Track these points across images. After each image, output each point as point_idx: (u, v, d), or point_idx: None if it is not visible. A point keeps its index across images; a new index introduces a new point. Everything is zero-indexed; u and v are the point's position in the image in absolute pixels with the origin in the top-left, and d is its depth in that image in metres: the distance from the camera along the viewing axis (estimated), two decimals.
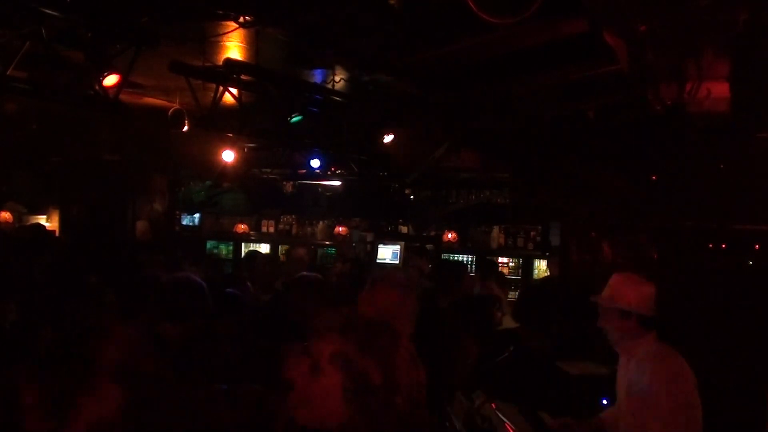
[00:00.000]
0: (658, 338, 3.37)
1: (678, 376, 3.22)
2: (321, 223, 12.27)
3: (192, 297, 3.24)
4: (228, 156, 8.74)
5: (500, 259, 10.76)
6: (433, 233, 11.48)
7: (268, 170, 11.47)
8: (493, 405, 3.12)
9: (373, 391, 1.46)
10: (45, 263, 6.21)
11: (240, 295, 4.34)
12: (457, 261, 10.42)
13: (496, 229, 10.99)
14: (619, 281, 3.46)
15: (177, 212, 11.84)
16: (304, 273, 4.67)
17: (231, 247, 12.51)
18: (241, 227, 12.43)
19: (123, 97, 5.22)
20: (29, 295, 4.62)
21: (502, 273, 9.19)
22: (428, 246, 10.93)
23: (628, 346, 3.37)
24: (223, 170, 9.77)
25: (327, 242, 12.05)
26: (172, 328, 3.15)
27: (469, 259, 10.89)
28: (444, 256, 10.69)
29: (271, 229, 12.54)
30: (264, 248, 11.93)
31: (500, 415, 3.08)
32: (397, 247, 10.81)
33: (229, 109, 6.38)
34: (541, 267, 10.46)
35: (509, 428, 3.08)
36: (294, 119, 6.62)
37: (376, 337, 1.55)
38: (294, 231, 12.45)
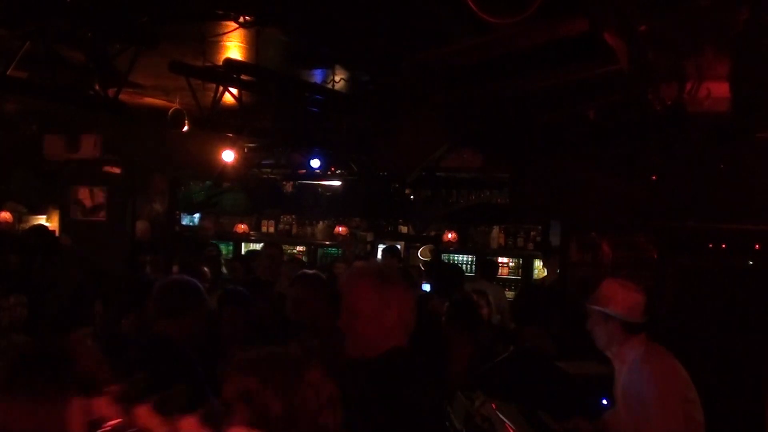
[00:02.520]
0: (650, 339, 3.37)
1: (670, 374, 3.23)
2: (321, 223, 12.28)
3: (187, 294, 3.25)
4: (228, 156, 8.73)
5: (500, 259, 10.76)
6: (433, 233, 11.48)
7: (268, 170, 11.47)
8: (493, 405, 3.12)
9: (273, 422, 1.51)
10: (53, 266, 6.23)
11: (245, 292, 4.36)
12: (453, 264, 10.43)
13: (496, 229, 10.99)
14: (608, 286, 3.47)
15: (177, 212, 11.84)
16: (305, 271, 4.66)
17: (231, 247, 12.51)
18: (241, 227, 12.43)
19: (123, 97, 5.22)
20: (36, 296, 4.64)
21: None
22: (426, 246, 10.95)
23: (617, 351, 3.38)
24: (223, 170, 9.76)
25: (327, 242, 12.05)
26: (171, 325, 3.16)
27: (469, 259, 10.89)
28: (444, 256, 10.70)
29: (271, 229, 12.54)
30: None
31: (500, 415, 3.08)
32: (398, 248, 10.82)
33: (229, 109, 6.38)
34: (541, 267, 10.46)
35: (509, 428, 3.08)
36: None
37: (277, 369, 1.59)
38: (294, 231, 12.44)
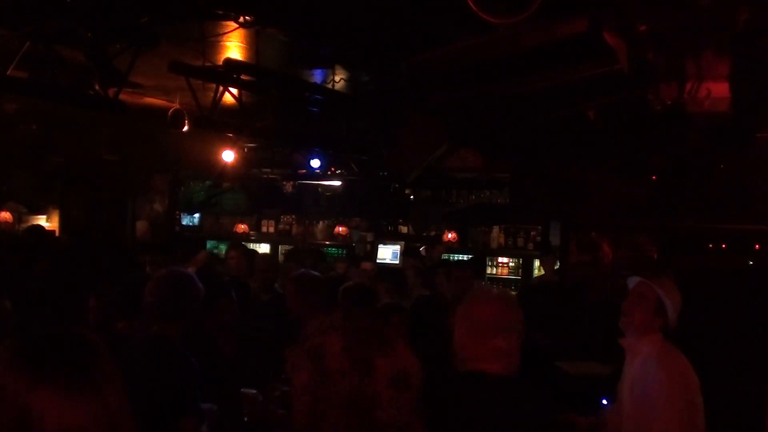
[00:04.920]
0: (665, 337, 3.36)
1: (682, 376, 3.22)
2: (321, 223, 12.28)
3: (186, 293, 3.22)
4: (228, 156, 8.75)
5: (500, 259, 10.76)
6: (433, 233, 11.48)
7: (268, 170, 11.47)
8: None
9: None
10: (44, 265, 6.21)
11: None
12: (461, 261, 10.43)
13: (496, 229, 10.99)
14: (669, 284, 3.40)
15: (177, 212, 11.84)
16: (303, 270, 4.66)
17: None
18: (241, 227, 12.43)
19: (123, 97, 5.22)
20: (27, 296, 4.62)
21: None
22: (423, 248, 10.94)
23: (635, 342, 3.34)
24: (223, 170, 9.78)
25: (327, 242, 12.05)
26: (173, 327, 3.15)
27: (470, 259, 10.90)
28: (444, 256, 10.70)
29: (271, 229, 12.54)
30: (264, 248, 11.92)
31: None
32: (397, 247, 10.82)
33: (229, 109, 6.38)
34: (539, 266, 10.47)
35: None
36: None
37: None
38: (294, 231, 12.45)
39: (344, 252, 11.48)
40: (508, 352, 2.37)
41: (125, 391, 1.46)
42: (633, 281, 3.40)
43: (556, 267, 7.84)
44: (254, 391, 3.56)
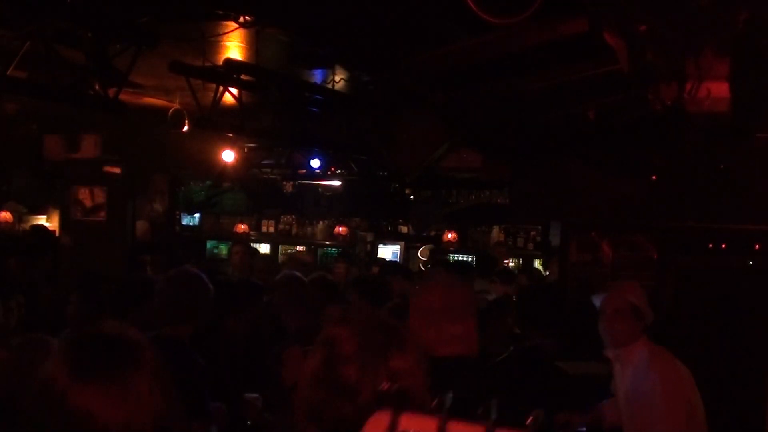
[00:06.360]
0: (651, 341, 3.37)
1: (676, 377, 3.23)
2: (321, 223, 12.28)
3: (195, 294, 3.19)
4: (228, 156, 8.76)
5: None
6: (433, 233, 11.48)
7: (268, 170, 11.47)
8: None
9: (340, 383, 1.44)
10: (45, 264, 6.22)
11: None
12: (462, 261, 10.44)
13: (496, 229, 10.99)
14: (629, 286, 3.45)
15: (177, 212, 11.83)
16: (286, 272, 4.64)
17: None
18: (241, 227, 12.43)
19: (123, 97, 5.22)
20: (31, 295, 4.64)
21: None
22: (426, 246, 10.94)
23: (625, 351, 3.36)
24: (223, 170, 9.78)
25: (327, 242, 12.05)
26: (183, 329, 3.12)
27: (469, 259, 10.90)
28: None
29: (271, 229, 12.53)
30: (264, 248, 11.93)
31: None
32: (397, 247, 10.84)
33: (229, 109, 6.38)
34: (540, 267, 10.45)
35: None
36: None
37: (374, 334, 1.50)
38: (294, 231, 12.44)
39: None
40: (464, 336, 2.42)
41: (173, 388, 1.47)
42: (598, 299, 3.44)
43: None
44: (255, 395, 3.56)
